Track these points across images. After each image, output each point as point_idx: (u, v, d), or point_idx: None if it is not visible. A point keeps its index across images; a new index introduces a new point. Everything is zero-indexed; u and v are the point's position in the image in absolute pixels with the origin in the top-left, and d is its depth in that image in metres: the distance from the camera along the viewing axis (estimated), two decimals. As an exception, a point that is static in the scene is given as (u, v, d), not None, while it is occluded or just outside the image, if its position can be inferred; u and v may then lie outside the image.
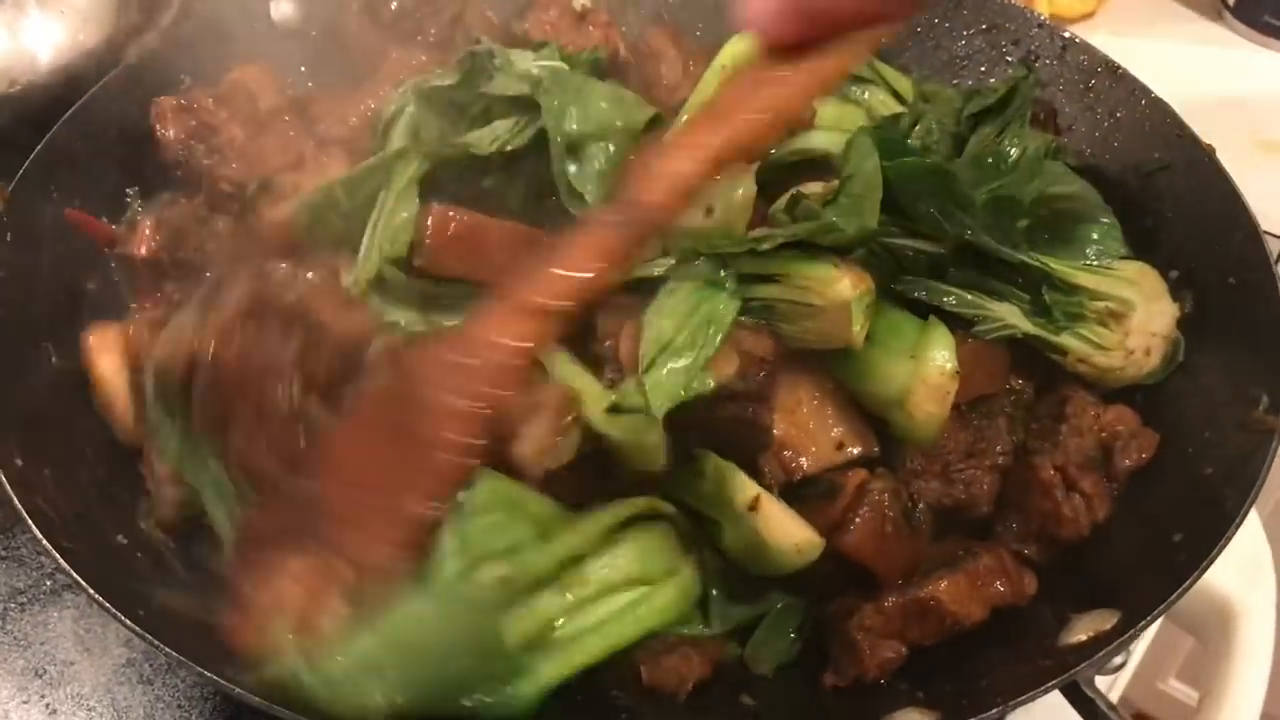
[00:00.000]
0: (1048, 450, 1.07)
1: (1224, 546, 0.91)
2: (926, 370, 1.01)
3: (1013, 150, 1.23)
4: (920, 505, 1.05)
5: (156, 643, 0.86)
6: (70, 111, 1.27)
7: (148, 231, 1.26)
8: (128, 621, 0.88)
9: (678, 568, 1.00)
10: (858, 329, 1.02)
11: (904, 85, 1.39)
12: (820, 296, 1.02)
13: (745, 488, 0.99)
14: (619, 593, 0.96)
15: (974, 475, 1.07)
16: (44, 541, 0.93)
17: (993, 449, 1.09)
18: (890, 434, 1.07)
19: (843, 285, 1.01)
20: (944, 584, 0.97)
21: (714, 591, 1.03)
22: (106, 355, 1.10)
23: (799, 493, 1.04)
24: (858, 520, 0.99)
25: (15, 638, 1.22)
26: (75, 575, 0.91)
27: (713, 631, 1.02)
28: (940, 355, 1.02)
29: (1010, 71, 1.42)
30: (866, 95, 1.38)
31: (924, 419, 1.03)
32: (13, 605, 1.24)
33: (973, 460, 1.08)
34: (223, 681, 0.83)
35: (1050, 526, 1.05)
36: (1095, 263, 1.18)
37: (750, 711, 0.98)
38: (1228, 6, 1.84)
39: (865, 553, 1.00)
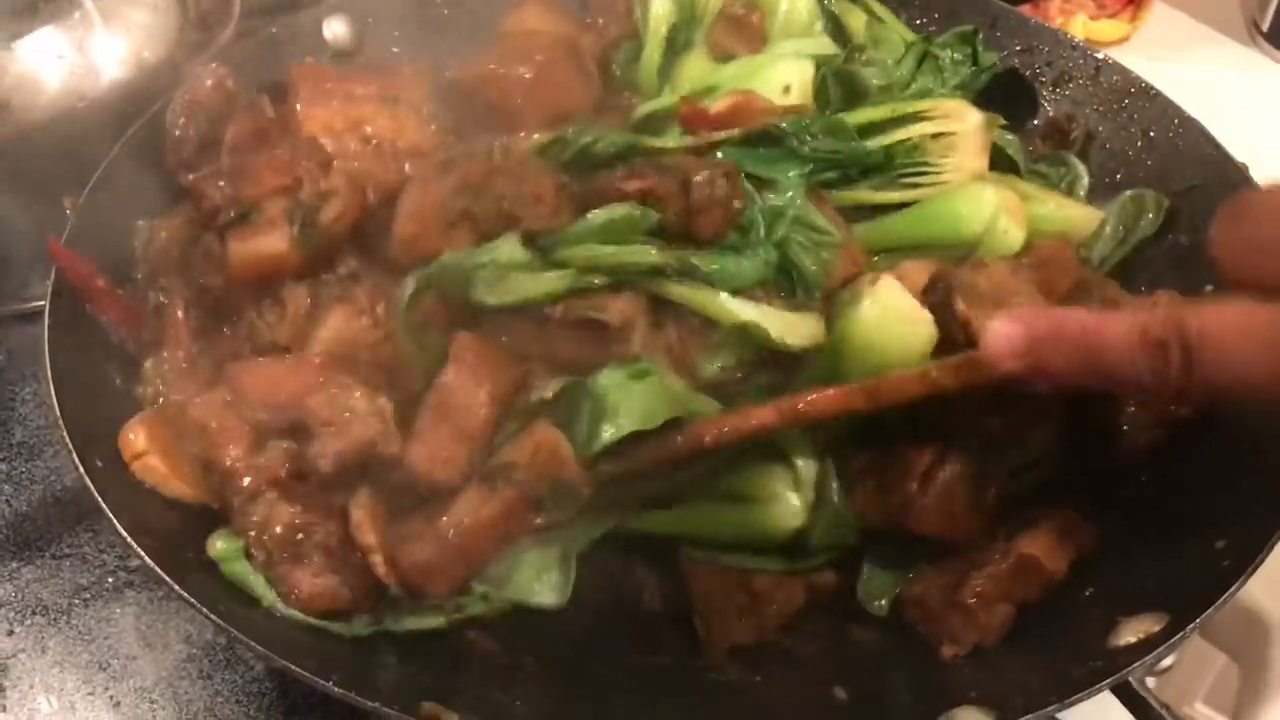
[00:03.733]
0: None
1: (1270, 549, 0.93)
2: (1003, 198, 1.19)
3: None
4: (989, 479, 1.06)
5: (249, 641, 0.88)
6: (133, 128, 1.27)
7: (180, 322, 1.14)
8: (215, 619, 0.90)
9: (782, 493, 1.05)
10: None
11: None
12: (960, 123, 1.24)
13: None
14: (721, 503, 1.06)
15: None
16: (130, 541, 0.95)
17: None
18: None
19: (974, 112, 1.25)
20: (1038, 541, 1.01)
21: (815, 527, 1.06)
22: (139, 457, 1.05)
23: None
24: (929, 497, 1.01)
25: (80, 632, 1.25)
26: (163, 574, 0.93)
27: (809, 564, 1.07)
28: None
29: (1045, 93, 1.46)
30: None
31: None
32: (77, 601, 1.27)
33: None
34: (313, 678, 0.86)
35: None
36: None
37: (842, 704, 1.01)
38: (1261, 31, 1.86)
39: (942, 525, 1.02)
